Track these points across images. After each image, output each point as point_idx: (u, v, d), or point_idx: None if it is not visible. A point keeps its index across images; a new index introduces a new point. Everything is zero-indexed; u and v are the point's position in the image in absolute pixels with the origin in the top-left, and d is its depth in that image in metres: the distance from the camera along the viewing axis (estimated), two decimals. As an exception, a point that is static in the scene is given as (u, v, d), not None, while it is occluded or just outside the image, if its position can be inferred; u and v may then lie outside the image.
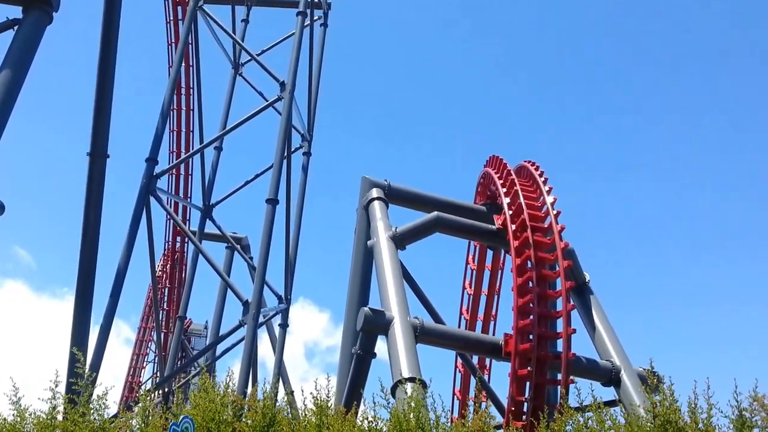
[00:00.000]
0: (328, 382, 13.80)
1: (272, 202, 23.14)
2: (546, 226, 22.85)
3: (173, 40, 39.26)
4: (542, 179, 24.47)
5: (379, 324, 20.22)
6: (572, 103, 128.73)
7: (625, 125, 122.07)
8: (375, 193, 26.05)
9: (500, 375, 31.18)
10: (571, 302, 21.85)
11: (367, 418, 13.55)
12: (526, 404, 20.34)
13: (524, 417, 20.01)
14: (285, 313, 25.89)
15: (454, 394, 33.14)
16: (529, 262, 22.00)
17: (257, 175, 28.26)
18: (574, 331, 20.87)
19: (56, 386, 13.18)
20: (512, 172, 25.41)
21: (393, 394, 17.15)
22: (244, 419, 13.53)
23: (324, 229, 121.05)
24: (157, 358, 43.01)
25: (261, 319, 23.49)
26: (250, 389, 18.04)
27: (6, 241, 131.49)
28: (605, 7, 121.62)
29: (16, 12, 15.79)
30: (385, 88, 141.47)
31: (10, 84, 14.82)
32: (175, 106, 38.59)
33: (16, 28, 15.47)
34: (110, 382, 14.32)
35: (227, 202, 28.94)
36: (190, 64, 36.60)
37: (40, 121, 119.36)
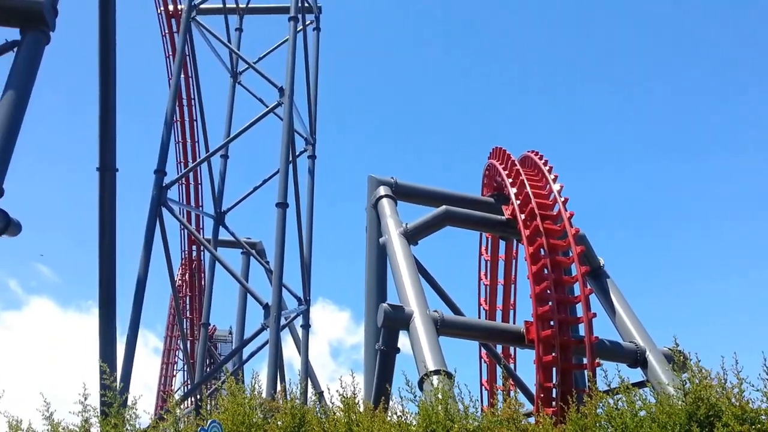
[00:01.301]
0: (353, 379, 13.79)
1: (282, 206, 23.32)
2: (555, 213, 22.87)
3: (170, 53, 39.21)
4: (547, 168, 24.52)
5: (399, 319, 20.20)
6: (568, 93, 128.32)
7: (630, 107, 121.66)
8: (383, 191, 26.09)
9: (526, 362, 31.39)
10: (588, 286, 21.87)
11: (396, 413, 13.53)
12: (554, 390, 20.35)
13: (554, 403, 20.02)
14: (306, 314, 26.00)
15: (481, 384, 33.26)
16: (542, 250, 21.99)
17: (265, 181, 28.41)
18: (595, 315, 20.84)
19: (86, 399, 13.18)
20: (516, 162, 25.45)
21: (420, 387, 17.09)
22: (273, 421, 13.50)
23: (336, 229, 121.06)
24: (186, 366, 43.16)
25: (283, 322, 23.58)
26: (279, 390, 18.07)
27: (27, 258, 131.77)
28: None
29: (14, 34, 15.89)
30: (385, 85, 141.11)
31: (15, 104, 14.88)
32: (178, 117, 38.41)
33: (15, 49, 15.57)
34: (143, 392, 14.32)
35: (239, 208, 29.13)
36: (189, 75, 36.64)
37: (49, 139, 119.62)
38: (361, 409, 13.55)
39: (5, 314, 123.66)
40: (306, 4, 31.10)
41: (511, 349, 31.27)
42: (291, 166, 25.39)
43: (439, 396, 13.26)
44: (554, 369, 20.41)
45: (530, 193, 23.23)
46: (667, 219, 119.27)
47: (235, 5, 33.20)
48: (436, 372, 17.68)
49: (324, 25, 33.24)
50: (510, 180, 24.72)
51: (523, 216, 23.03)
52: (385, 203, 25.55)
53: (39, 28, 15.60)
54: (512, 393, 14.09)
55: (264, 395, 15.38)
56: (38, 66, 15.56)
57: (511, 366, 30.36)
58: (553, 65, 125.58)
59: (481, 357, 33.34)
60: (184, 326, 42.32)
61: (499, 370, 24.52)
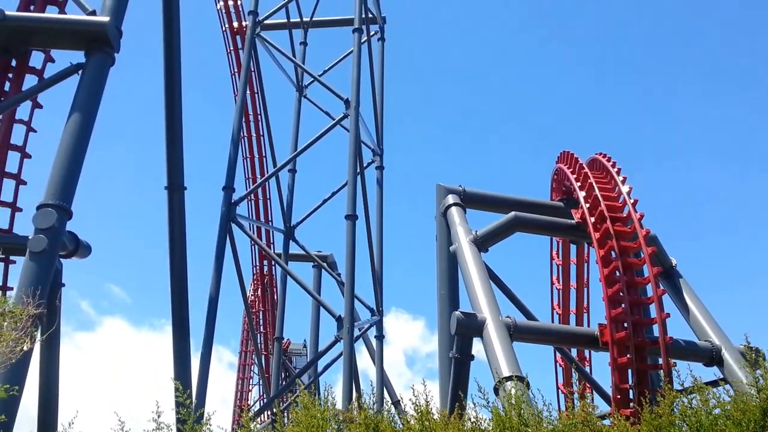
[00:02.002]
0: (425, 387, 13.74)
1: (351, 218, 23.39)
2: (625, 215, 22.65)
3: (235, 69, 39.37)
4: (615, 170, 24.30)
5: (472, 326, 20.24)
6: (636, 94, 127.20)
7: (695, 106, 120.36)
8: (451, 199, 26.03)
9: (602, 365, 31.24)
10: (661, 287, 21.65)
11: (470, 420, 13.47)
12: (631, 391, 20.17)
13: (631, 404, 19.81)
14: (379, 325, 26.04)
15: (557, 388, 33.21)
16: (613, 252, 21.78)
17: (333, 193, 28.48)
18: (669, 315, 20.65)
19: (159, 416, 13.24)
20: (584, 165, 25.27)
21: (496, 394, 17.04)
22: (347, 431, 13.49)
23: (407, 237, 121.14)
24: (261, 381, 43.33)
25: (356, 333, 23.61)
26: (353, 401, 18.07)
27: (98, 279, 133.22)
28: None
29: (78, 57, 16.11)
30: (451, 91, 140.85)
31: (81, 127, 15.11)
32: (245, 133, 38.50)
33: (80, 72, 15.78)
34: (220, 407, 14.29)
35: (308, 221, 29.33)
36: (255, 90, 36.89)
37: (116, 159, 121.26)
38: (436, 417, 13.48)
39: (78, 335, 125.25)
40: (370, 15, 31.12)
41: (586, 352, 31.15)
42: (359, 177, 25.43)
43: (512, 401, 13.17)
44: (630, 370, 20.20)
45: (599, 195, 23.04)
46: (739, 217, 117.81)
47: (299, 19, 33.35)
48: (511, 378, 17.67)
49: (388, 34, 33.30)
50: (578, 183, 24.52)
51: (592, 219, 22.86)
52: (454, 211, 25.52)
53: (103, 50, 15.79)
54: (587, 396, 14.02)
55: (339, 406, 15.39)
56: (103, 88, 15.75)
57: (587, 369, 30.20)
58: (614, 68, 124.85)
59: (556, 361, 33.25)
60: (258, 341, 42.57)
61: (575, 373, 24.38)
